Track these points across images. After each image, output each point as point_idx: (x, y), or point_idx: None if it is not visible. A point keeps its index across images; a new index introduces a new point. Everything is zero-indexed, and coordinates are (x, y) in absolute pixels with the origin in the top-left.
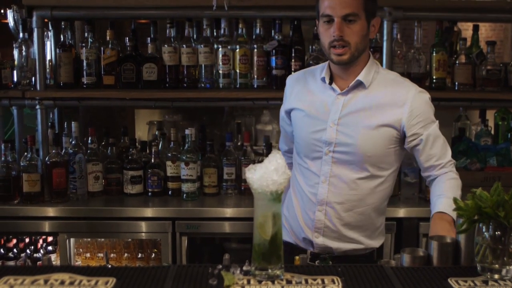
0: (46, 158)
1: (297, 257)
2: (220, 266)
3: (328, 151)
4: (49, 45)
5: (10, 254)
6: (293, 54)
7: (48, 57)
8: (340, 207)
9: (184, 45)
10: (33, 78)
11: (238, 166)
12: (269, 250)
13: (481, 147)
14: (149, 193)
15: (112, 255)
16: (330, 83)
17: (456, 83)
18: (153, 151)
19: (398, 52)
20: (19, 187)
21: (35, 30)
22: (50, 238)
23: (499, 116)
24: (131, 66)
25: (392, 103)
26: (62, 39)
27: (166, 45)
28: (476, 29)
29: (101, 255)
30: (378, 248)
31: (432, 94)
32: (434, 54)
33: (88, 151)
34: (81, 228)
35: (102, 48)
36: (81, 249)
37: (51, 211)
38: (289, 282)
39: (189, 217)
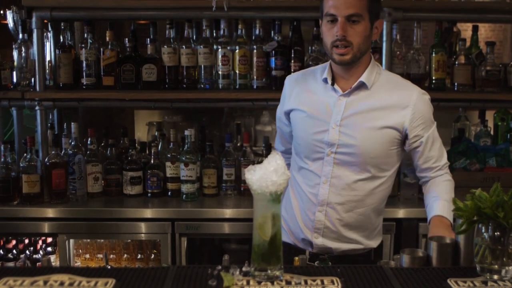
0: (46, 159)
1: (296, 258)
2: (220, 267)
3: (330, 152)
4: (49, 46)
5: (10, 255)
6: (292, 55)
7: (48, 58)
8: (340, 208)
9: (184, 46)
10: (33, 79)
11: (237, 167)
12: (268, 251)
13: (480, 147)
14: (149, 194)
15: (111, 256)
16: (332, 84)
17: (456, 84)
18: (152, 152)
19: (398, 52)
20: (19, 188)
21: (35, 31)
22: (49, 239)
23: (498, 116)
24: (130, 67)
25: (395, 105)
26: (61, 40)
27: (165, 46)
28: (475, 29)
29: (100, 256)
30: (375, 248)
31: (431, 95)
32: (433, 55)
33: (88, 152)
34: (80, 229)
35: (101, 49)
36: (80, 250)
37: (50, 212)
38: (288, 283)
39: (189, 218)
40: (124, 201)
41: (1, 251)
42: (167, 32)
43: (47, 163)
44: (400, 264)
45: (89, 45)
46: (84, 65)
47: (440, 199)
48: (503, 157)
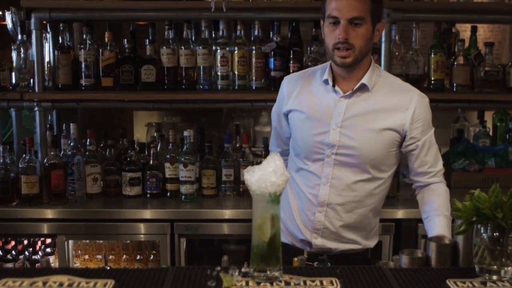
0: (45, 160)
1: (295, 259)
2: (219, 268)
3: (330, 153)
4: (48, 47)
5: (9, 256)
6: (291, 56)
7: (47, 59)
8: (341, 208)
9: (183, 47)
10: (32, 80)
11: (236, 167)
12: (267, 252)
13: (479, 148)
14: (148, 195)
15: (110, 256)
16: (333, 86)
17: (455, 85)
18: (151, 152)
19: (397, 53)
20: (18, 189)
21: (34, 32)
22: (48, 240)
23: (497, 117)
24: (129, 68)
25: (396, 107)
26: (60, 41)
27: (164, 47)
28: (474, 30)
29: (99, 256)
30: (372, 247)
31: (430, 96)
32: (432, 56)
33: (87, 153)
34: (79, 230)
35: (100, 50)
36: (79, 251)
37: (49, 213)
38: (287, 283)
39: (188, 218)
40: (123, 202)
41: (0, 252)
42: (166, 33)
43: (46, 164)
44: (399, 265)
45: (88, 46)
46: (83, 66)
47: (439, 216)
48: (502, 158)
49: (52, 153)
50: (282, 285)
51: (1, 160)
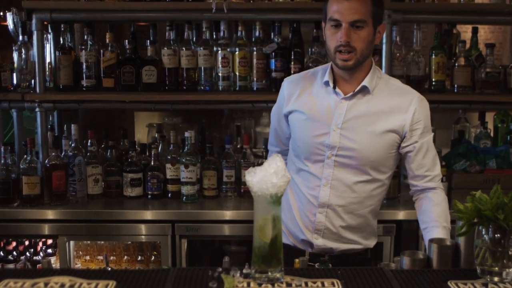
0: (46, 161)
1: (296, 260)
2: (220, 269)
3: (330, 155)
4: (49, 48)
5: (10, 257)
6: (292, 57)
7: (48, 60)
8: (341, 209)
9: (184, 48)
10: (33, 81)
11: (237, 168)
12: (269, 253)
13: (480, 149)
14: (149, 196)
15: (111, 257)
16: (334, 87)
17: (456, 86)
18: (152, 153)
19: (398, 54)
20: (19, 190)
21: (35, 32)
22: (49, 241)
23: (498, 118)
24: (130, 69)
25: (396, 109)
26: (61, 42)
27: (165, 48)
28: (475, 31)
29: (100, 257)
30: (372, 248)
31: (431, 97)
32: (433, 57)
33: (88, 154)
34: (80, 231)
35: (101, 51)
36: (80, 252)
37: (50, 214)
38: (289, 285)
39: (189, 219)
40: (124, 203)
41: (1, 253)
42: (167, 34)
43: (47, 165)
44: (400, 266)
45: (89, 46)
46: (84, 66)
47: (438, 227)
48: (503, 159)
49: (53, 154)
50: (283, 287)
51: (2, 161)
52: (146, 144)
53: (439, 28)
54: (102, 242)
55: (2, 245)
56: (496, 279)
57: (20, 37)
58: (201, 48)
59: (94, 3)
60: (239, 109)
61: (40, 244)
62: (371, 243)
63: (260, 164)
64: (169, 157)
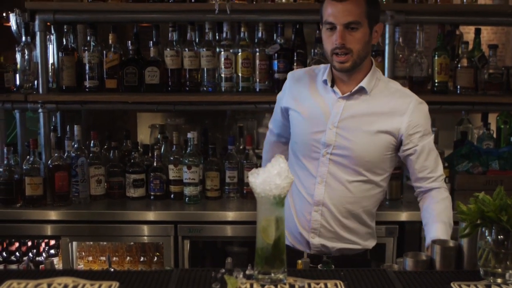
0: (49, 162)
1: (299, 261)
2: (223, 270)
3: (325, 153)
4: (52, 49)
5: (13, 258)
6: (295, 58)
7: (51, 61)
8: (335, 208)
9: (186, 49)
10: (36, 82)
11: (240, 169)
12: (272, 254)
13: (483, 150)
14: (151, 197)
15: (114, 258)
16: (332, 86)
17: (458, 87)
18: (155, 154)
19: (400, 55)
20: (22, 191)
21: (38, 33)
22: (52, 242)
23: (501, 119)
24: (133, 70)
25: (393, 111)
26: (64, 43)
27: (168, 49)
28: (478, 32)
29: (103, 258)
30: (371, 248)
31: (434, 98)
32: (436, 58)
33: (91, 155)
34: (83, 232)
35: (104, 52)
36: (83, 253)
37: (53, 215)
38: (292, 286)
39: (191, 220)
40: (127, 204)
41: (4, 254)
42: (169, 35)
43: (50, 166)
44: (403, 268)
45: (92, 47)
46: (87, 67)
47: (439, 223)
48: (506, 160)
49: (56, 154)
50: None
51: (5, 162)
52: (148, 145)
53: (442, 29)
54: (105, 243)
55: (5, 245)
56: (499, 280)
57: (23, 38)
58: (204, 49)
59: (97, 4)
60: (241, 110)
61: (43, 244)
62: (369, 244)
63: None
64: (171, 158)
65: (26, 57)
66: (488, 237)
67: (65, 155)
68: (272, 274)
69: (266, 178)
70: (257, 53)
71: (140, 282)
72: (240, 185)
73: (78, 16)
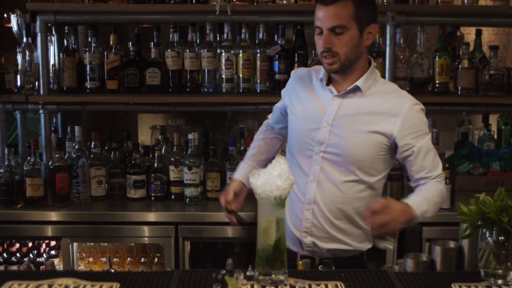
0: (49, 163)
1: (300, 262)
2: (224, 271)
3: (319, 151)
4: (53, 50)
5: (13, 259)
6: (296, 59)
7: (52, 62)
8: (326, 208)
9: (187, 50)
10: (37, 83)
11: None
12: (272, 255)
13: (484, 151)
14: (152, 198)
15: (115, 259)
16: (328, 84)
17: (459, 88)
18: (156, 155)
19: (401, 56)
20: (22, 192)
21: (39, 34)
22: (53, 243)
23: (502, 120)
24: (134, 71)
25: (387, 112)
26: (65, 44)
27: (169, 50)
28: (479, 33)
29: (104, 259)
30: (365, 251)
31: (434, 99)
32: (437, 59)
33: (91, 156)
34: (84, 233)
35: (105, 53)
36: (84, 254)
37: (54, 216)
38: (292, 287)
39: (192, 221)
40: (128, 205)
41: (5, 255)
42: (170, 36)
43: (51, 167)
44: (404, 269)
45: (93, 48)
46: (88, 68)
47: (419, 195)
48: (506, 161)
49: (56, 155)
50: None
51: (6, 163)
52: (149, 146)
53: (442, 30)
54: (105, 244)
55: (5, 246)
56: (500, 281)
57: (24, 39)
58: (205, 50)
59: (98, 5)
60: (242, 111)
61: (44, 245)
62: (364, 246)
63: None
64: (172, 159)
65: (27, 58)
66: (488, 238)
67: (66, 156)
68: (273, 275)
69: (267, 179)
70: (258, 54)
71: (141, 283)
72: None
73: (79, 17)
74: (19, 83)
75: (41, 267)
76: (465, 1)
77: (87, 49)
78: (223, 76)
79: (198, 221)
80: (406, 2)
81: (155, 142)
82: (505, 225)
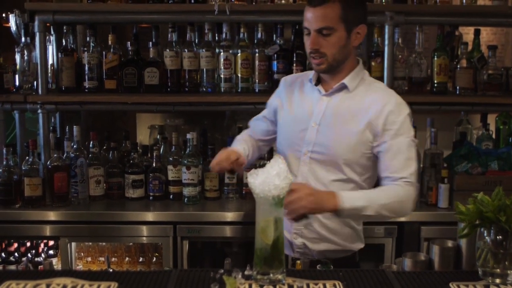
0: (48, 162)
1: (298, 262)
2: (222, 271)
3: (306, 151)
4: (51, 50)
5: (12, 258)
6: (294, 59)
7: (50, 61)
8: None
9: (186, 50)
10: (35, 82)
11: None
12: (270, 255)
13: (482, 151)
14: (151, 197)
15: (113, 259)
16: (316, 84)
17: (458, 88)
18: (154, 155)
19: (400, 56)
20: (21, 191)
21: (37, 34)
22: (51, 242)
23: (500, 120)
24: (132, 70)
25: (372, 109)
26: (64, 44)
27: (167, 50)
28: (477, 33)
29: (102, 259)
30: (357, 251)
31: (433, 99)
32: (435, 59)
33: (90, 155)
34: (82, 232)
35: (104, 53)
36: (82, 253)
37: (52, 215)
38: (290, 286)
39: (190, 221)
40: (126, 204)
41: (3, 254)
42: (169, 35)
43: (49, 166)
44: (402, 268)
45: (91, 48)
46: (86, 68)
47: (360, 191)
48: (505, 161)
49: (55, 155)
50: None
51: (4, 162)
52: (148, 145)
53: (441, 30)
54: (104, 243)
55: (3, 246)
56: (498, 281)
57: (23, 39)
58: (203, 50)
59: (97, 5)
60: (241, 110)
61: (42, 245)
62: (356, 246)
63: (262, 166)
64: (171, 158)
65: (26, 57)
66: (486, 238)
67: (64, 155)
68: (271, 275)
69: (265, 178)
70: (257, 54)
71: (139, 282)
72: (239, 186)
73: (77, 16)
74: (17, 83)
75: (39, 266)
76: (464, 1)
77: (85, 48)
78: (222, 76)
79: (196, 220)
80: (405, 2)
81: (154, 142)
82: (503, 224)
